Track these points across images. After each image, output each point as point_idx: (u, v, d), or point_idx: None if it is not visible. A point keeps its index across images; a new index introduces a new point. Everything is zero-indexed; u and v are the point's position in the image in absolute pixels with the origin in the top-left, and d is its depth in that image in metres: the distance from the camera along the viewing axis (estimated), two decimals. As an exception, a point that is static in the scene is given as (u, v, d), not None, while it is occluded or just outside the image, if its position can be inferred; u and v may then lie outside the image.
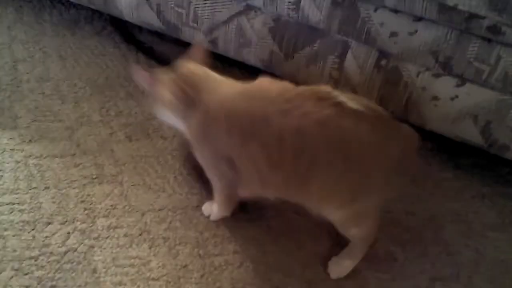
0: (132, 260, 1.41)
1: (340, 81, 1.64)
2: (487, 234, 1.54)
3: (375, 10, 1.44)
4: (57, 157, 1.62)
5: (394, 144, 1.19)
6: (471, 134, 1.54)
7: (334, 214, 1.30)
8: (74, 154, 1.64)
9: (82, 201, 1.52)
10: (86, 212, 1.50)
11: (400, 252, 1.48)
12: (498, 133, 1.49)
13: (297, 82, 1.25)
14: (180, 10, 1.72)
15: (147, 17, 1.81)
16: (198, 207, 1.55)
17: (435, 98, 1.53)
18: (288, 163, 1.21)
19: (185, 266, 1.41)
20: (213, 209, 1.50)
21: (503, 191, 1.65)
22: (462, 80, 1.46)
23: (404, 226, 1.54)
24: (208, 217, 1.52)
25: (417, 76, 1.52)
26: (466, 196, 1.64)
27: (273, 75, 1.63)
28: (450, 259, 1.47)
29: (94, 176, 1.59)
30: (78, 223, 1.47)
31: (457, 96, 1.49)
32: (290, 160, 1.20)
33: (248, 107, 1.23)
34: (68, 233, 1.44)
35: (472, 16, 1.31)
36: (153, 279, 1.37)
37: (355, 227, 1.32)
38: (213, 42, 1.76)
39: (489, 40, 1.36)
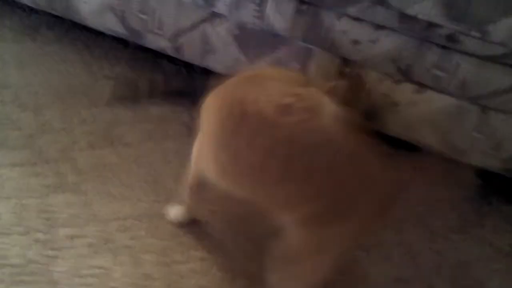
0: (95, 270, 1.38)
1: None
2: (449, 237, 1.58)
3: (338, 19, 1.46)
4: (17, 166, 1.58)
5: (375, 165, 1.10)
6: (431, 138, 1.58)
7: (296, 232, 1.16)
8: (35, 163, 1.60)
9: (43, 211, 1.48)
10: (47, 222, 1.46)
11: (365, 256, 1.50)
12: (458, 139, 1.54)
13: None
14: (144, 16, 1.71)
15: (111, 24, 1.79)
16: (164, 215, 1.53)
17: (396, 104, 1.57)
18: (270, 164, 1.09)
19: (150, 275, 1.39)
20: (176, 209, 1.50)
21: (464, 195, 1.70)
22: (422, 87, 1.51)
23: (369, 231, 1.56)
24: (173, 221, 1.50)
25: (379, 82, 1.55)
26: (428, 200, 1.68)
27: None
28: (413, 261, 1.51)
29: (55, 185, 1.55)
30: (39, 233, 1.43)
31: (417, 103, 1.53)
32: (274, 163, 1.08)
33: (243, 95, 1.13)
34: (29, 244, 1.40)
35: (431, 25, 1.35)
36: (117, 289, 1.35)
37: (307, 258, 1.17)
38: (178, 49, 1.75)
39: (448, 48, 1.40)
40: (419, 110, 1.54)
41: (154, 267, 1.40)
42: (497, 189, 1.67)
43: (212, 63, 1.74)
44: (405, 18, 1.37)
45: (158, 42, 1.77)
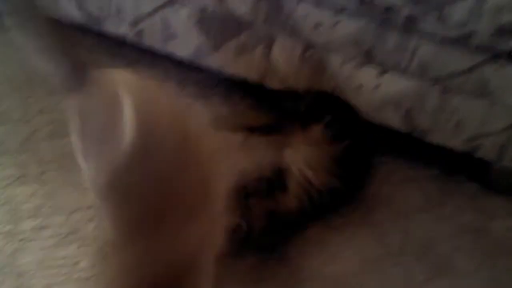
0: (61, 261, 1.36)
1: (268, 72, 1.65)
2: (414, 216, 1.60)
3: (298, 3, 1.46)
4: (-25, 158, 1.54)
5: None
6: (394, 120, 1.60)
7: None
8: (-6, 155, 1.56)
9: (5, 203, 1.45)
10: (11, 214, 1.43)
11: (331, 236, 1.51)
12: (419, 119, 1.56)
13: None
14: (102, 1, 1.67)
15: (67, 9, 1.74)
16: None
17: (359, 87, 1.58)
18: None
19: (117, 264, 1.38)
20: None
21: (428, 174, 1.73)
22: (384, 69, 1.52)
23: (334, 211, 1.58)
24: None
25: (342, 65, 1.56)
26: (394, 180, 1.70)
27: (200, 68, 1.62)
28: (379, 240, 1.53)
29: (16, 176, 1.51)
30: (3, 225, 1.40)
31: (379, 85, 1.55)
32: None
33: None
34: (-9, 237, 1.38)
35: (390, 7, 1.36)
36: (83, 279, 1.33)
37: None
38: (138, 34, 1.72)
39: (407, 31, 1.42)
40: (382, 92, 1.56)
41: (120, 256, 1.39)
42: (460, 167, 1.71)
43: (174, 48, 1.72)
44: (364, 0, 1.37)
45: (117, 27, 1.73)
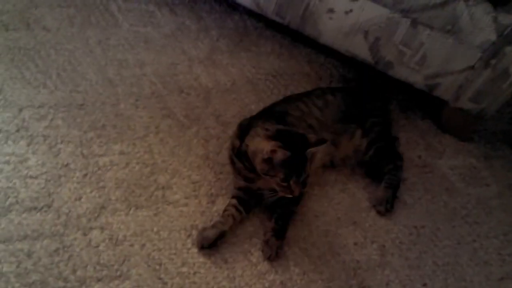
0: (8, 157, 1.33)
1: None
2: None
3: None
4: None
5: None
6: (360, 49, 1.59)
7: None
8: None
9: (-51, 93, 1.39)
10: (-46, 105, 1.37)
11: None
12: (385, 50, 1.56)
13: None
14: None
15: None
16: (83, 105, 1.47)
17: (331, 10, 1.54)
18: None
19: (67, 165, 1.36)
20: None
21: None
22: (357, -6, 1.48)
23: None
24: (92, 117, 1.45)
25: (316, -13, 1.51)
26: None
27: None
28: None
29: (-37, 66, 1.44)
30: None
31: (351, 10, 1.52)
32: None
33: None
34: None
35: None
36: (31, 177, 1.31)
37: None
38: None
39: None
40: (353, 18, 1.53)
41: (71, 157, 1.37)
42: (415, 104, 1.74)
43: None
44: None
45: None
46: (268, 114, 1.42)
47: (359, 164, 1.51)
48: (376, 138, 1.50)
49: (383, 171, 1.49)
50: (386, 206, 1.43)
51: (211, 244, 1.27)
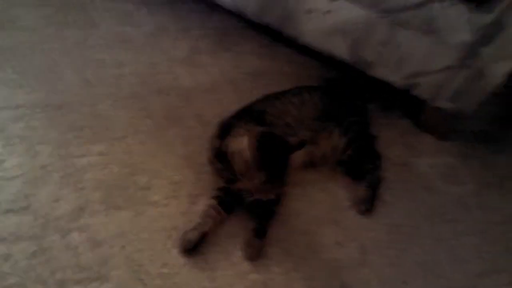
0: (-17, 159, 1.31)
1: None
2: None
3: None
4: None
5: None
6: (339, 49, 1.60)
7: None
8: None
9: None
10: None
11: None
12: (364, 51, 1.57)
13: None
14: None
15: None
16: (61, 106, 1.45)
17: (310, 11, 1.55)
18: None
19: (45, 166, 1.34)
20: None
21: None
22: (337, -5, 1.49)
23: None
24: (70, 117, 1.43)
25: (294, -12, 1.51)
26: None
27: None
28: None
29: None
30: None
31: (329, 11, 1.53)
32: None
33: None
34: None
35: None
36: (7, 179, 1.29)
37: None
38: None
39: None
40: (332, 19, 1.54)
41: (49, 159, 1.35)
42: (395, 104, 1.76)
43: None
44: None
45: None
46: (247, 113, 1.42)
47: (338, 163, 1.52)
48: (355, 138, 1.51)
49: (362, 171, 1.50)
50: (367, 206, 1.45)
51: (194, 246, 1.27)
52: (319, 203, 1.44)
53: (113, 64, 1.62)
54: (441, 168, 1.61)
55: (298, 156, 1.33)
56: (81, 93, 1.51)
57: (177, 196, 1.36)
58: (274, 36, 1.82)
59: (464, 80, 1.49)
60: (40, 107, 1.44)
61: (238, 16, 1.79)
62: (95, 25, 1.71)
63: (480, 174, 1.62)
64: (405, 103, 1.73)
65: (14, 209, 1.24)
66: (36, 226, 1.22)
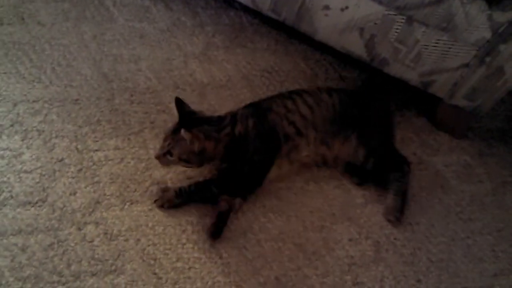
0: (2, 152, 1.33)
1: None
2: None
3: None
4: None
5: None
6: (356, 46, 1.59)
7: None
8: None
9: None
10: None
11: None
12: (381, 47, 1.56)
13: None
14: None
15: None
16: (78, 100, 1.47)
17: (326, 7, 1.54)
18: None
19: (62, 160, 1.35)
20: None
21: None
22: (353, -9, 1.49)
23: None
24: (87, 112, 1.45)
25: (312, -16, 1.51)
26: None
27: None
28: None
29: (-43, 60, 1.43)
30: None
31: (347, 7, 1.52)
32: None
33: None
34: None
35: None
36: (25, 171, 1.31)
37: None
38: None
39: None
40: (349, 15, 1.53)
41: (65, 152, 1.37)
42: (411, 101, 1.74)
43: None
44: None
45: None
46: (253, 107, 1.44)
47: (351, 169, 1.49)
48: (376, 148, 1.47)
49: (388, 179, 1.47)
50: (396, 215, 1.42)
51: (218, 230, 1.30)
52: (334, 200, 1.44)
53: (130, 59, 1.63)
54: (457, 166, 1.60)
55: (303, 154, 1.39)
56: (98, 87, 1.52)
57: (192, 190, 1.37)
58: (290, 32, 1.81)
59: (481, 77, 1.47)
60: (58, 101, 1.46)
61: (254, 12, 1.79)
62: (113, 20, 1.72)
63: (496, 173, 1.60)
64: (421, 101, 1.72)
65: (32, 202, 1.26)
66: (53, 219, 1.24)
